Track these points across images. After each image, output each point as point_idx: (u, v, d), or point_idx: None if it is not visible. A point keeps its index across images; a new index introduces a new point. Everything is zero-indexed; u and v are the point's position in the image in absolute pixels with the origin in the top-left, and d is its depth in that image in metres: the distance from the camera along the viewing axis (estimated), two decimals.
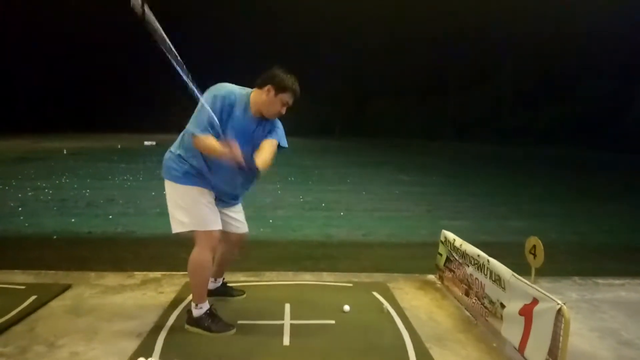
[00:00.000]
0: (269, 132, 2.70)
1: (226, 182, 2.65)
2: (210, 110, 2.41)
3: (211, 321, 2.59)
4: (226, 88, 2.58)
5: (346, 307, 2.90)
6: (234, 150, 2.33)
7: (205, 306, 2.62)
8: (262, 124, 2.67)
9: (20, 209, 6.87)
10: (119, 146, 21.08)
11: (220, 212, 2.71)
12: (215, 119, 2.42)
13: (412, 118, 44.95)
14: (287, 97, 2.60)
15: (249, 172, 2.56)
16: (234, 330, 2.60)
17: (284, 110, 2.66)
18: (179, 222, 2.60)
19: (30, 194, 8.24)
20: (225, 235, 2.79)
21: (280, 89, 2.56)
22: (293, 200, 8.27)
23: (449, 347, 2.49)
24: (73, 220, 6.20)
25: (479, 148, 28.29)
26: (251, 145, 2.60)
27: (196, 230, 2.58)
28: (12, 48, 43.52)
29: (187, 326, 2.62)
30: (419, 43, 43.04)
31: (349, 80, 48.81)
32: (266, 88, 2.57)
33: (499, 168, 16.99)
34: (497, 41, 38.63)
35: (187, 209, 2.58)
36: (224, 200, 2.75)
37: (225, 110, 2.50)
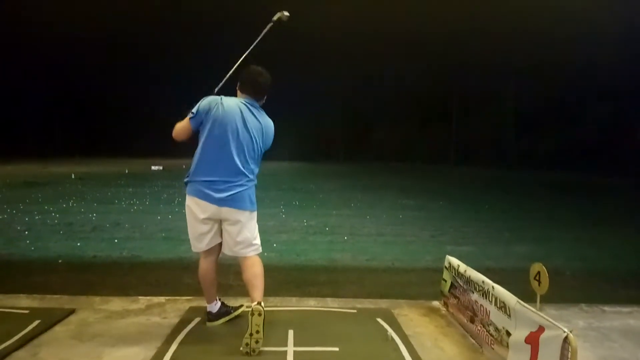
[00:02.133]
0: None
1: None
2: None
3: (226, 309, 3.10)
4: None
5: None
6: None
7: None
8: None
9: (26, 232, 6.92)
10: (127, 171, 21.29)
11: None
12: None
13: (415, 142, 45.19)
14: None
15: None
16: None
17: None
18: (259, 244, 2.98)
19: (37, 217, 8.31)
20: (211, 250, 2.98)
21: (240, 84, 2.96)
22: (297, 224, 8.28)
23: None
24: (79, 244, 6.23)
25: (483, 173, 28.29)
26: None
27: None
28: (20, 72, 44.51)
29: (208, 324, 3.01)
30: (422, 67, 43.63)
31: (353, 105, 49.36)
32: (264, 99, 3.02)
33: (502, 193, 16.93)
34: (499, 66, 39.06)
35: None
36: None
37: None
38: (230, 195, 2.77)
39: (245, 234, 2.86)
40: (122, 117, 49.60)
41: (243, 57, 3.02)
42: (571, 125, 34.01)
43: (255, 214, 2.94)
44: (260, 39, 3.06)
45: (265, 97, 3.02)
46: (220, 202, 2.77)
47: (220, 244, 2.95)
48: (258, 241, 2.94)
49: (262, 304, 2.64)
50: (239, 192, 2.79)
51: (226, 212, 2.79)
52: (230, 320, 3.06)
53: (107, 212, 9.21)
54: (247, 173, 2.82)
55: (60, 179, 17.01)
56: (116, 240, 6.48)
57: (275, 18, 3.15)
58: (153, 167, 25.10)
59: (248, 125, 2.82)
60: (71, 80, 47.70)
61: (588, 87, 32.78)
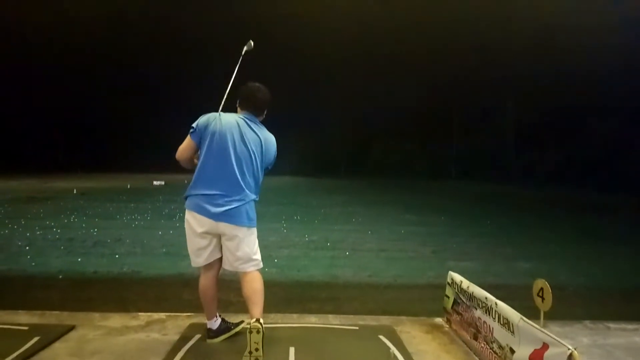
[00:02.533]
0: None
1: None
2: None
3: (227, 325, 3.04)
4: None
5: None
6: None
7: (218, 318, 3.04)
8: None
9: (27, 248, 6.91)
10: (129, 186, 21.34)
11: None
12: None
13: (417, 158, 45.31)
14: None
15: None
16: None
17: None
18: (259, 260, 2.94)
19: (38, 233, 8.31)
20: (210, 265, 2.97)
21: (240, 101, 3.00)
22: (298, 239, 8.25)
23: None
24: (79, 259, 6.21)
25: (484, 188, 28.25)
26: None
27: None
28: (23, 88, 45.01)
29: (209, 341, 2.94)
30: (422, 83, 44.01)
31: (354, 120, 49.68)
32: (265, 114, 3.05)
33: (504, 208, 16.89)
34: (499, 81, 39.38)
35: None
36: None
37: None
38: (227, 210, 2.75)
39: (244, 250, 2.83)
40: (124, 132, 49.96)
41: (226, 92, 3.07)
42: (572, 141, 34.08)
43: (254, 229, 2.90)
44: (237, 72, 3.14)
45: (265, 113, 3.03)
46: (217, 217, 2.76)
47: (221, 259, 2.93)
48: (258, 256, 2.90)
49: (262, 320, 2.61)
50: (237, 207, 2.77)
51: (223, 227, 2.78)
52: (230, 337, 3.03)
53: (108, 227, 9.21)
54: (245, 188, 2.80)
55: (62, 194, 17.05)
56: (117, 256, 6.46)
57: (243, 52, 3.21)
58: (155, 182, 25.15)
59: (246, 139, 2.82)
60: (73, 96, 48.22)
61: (589, 103, 32.93)
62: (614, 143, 30.84)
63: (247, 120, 2.90)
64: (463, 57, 41.08)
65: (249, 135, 2.85)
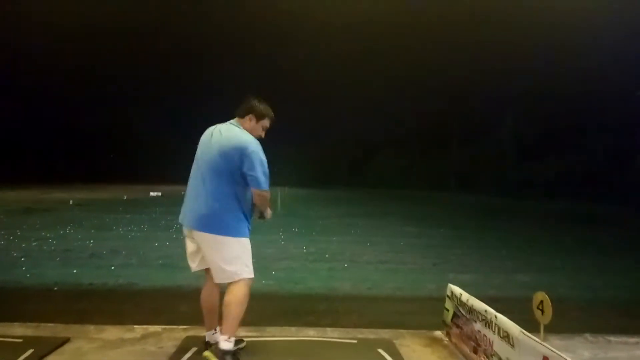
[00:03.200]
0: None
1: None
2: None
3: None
4: (255, 141, 2.83)
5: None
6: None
7: (233, 341, 2.69)
8: None
9: (23, 259, 6.86)
10: (125, 197, 21.30)
11: None
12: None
13: (415, 170, 45.44)
14: (266, 123, 2.96)
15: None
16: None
17: (264, 134, 2.97)
18: (234, 272, 2.75)
19: (34, 244, 8.25)
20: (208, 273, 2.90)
21: (260, 116, 2.91)
22: (296, 251, 8.21)
23: None
24: (75, 271, 6.16)
25: (483, 200, 28.28)
26: None
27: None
28: (21, 100, 45.19)
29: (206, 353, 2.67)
30: (422, 95, 44.37)
31: (353, 133, 49.94)
32: (248, 117, 2.90)
33: (504, 221, 16.88)
34: (499, 93, 39.72)
35: (246, 257, 2.80)
36: None
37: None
38: (198, 217, 2.74)
39: (214, 259, 2.74)
40: (121, 144, 50.05)
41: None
42: (571, 154, 34.25)
43: (229, 239, 2.71)
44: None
45: (250, 113, 2.90)
46: (191, 224, 2.77)
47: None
48: (233, 268, 2.71)
49: (223, 342, 2.60)
50: (206, 214, 2.72)
51: (196, 235, 2.77)
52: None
53: (104, 238, 9.16)
54: (217, 195, 2.71)
55: (59, 206, 17.00)
56: (113, 268, 6.41)
57: (259, 217, 3.09)
58: (152, 193, 25.13)
59: (212, 144, 2.79)
60: (71, 108, 48.46)
61: (588, 116, 33.19)
62: (612, 155, 31.01)
63: (223, 125, 2.90)
64: (463, 69, 41.49)
65: (215, 139, 2.80)
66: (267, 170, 2.77)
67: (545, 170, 35.42)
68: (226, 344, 2.61)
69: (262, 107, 2.92)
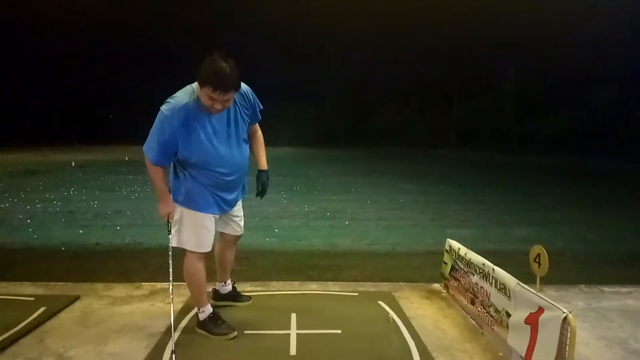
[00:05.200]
0: (252, 117, 2.70)
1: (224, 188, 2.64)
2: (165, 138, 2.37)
3: (213, 325, 2.69)
4: (170, 106, 2.36)
5: None
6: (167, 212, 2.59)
7: (208, 310, 2.74)
8: (235, 111, 2.54)
9: (28, 221, 6.96)
10: (127, 158, 21.26)
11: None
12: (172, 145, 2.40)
13: (416, 126, 45.02)
14: (209, 91, 2.27)
15: (240, 171, 2.67)
16: (234, 334, 2.67)
17: (217, 106, 2.33)
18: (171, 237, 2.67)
19: (38, 206, 8.34)
20: (221, 235, 2.93)
21: (200, 81, 2.30)
22: (298, 209, 8.30)
23: (455, 357, 2.49)
24: (81, 231, 6.26)
25: (484, 156, 28.23)
26: (236, 139, 2.59)
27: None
28: (19, 62, 44.21)
29: (197, 329, 2.73)
30: (422, 52, 43.25)
31: (353, 90, 49.06)
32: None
33: (503, 176, 16.93)
34: (500, 49, 38.70)
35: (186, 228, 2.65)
36: (229, 205, 2.75)
37: (179, 133, 2.37)
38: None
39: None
40: (120, 104, 49.40)
41: None
42: (572, 108, 33.81)
43: (179, 208, 2.60)
44: None
45: None
46: None
47: (231, 231, 2.92)
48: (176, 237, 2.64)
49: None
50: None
51: None
52: (235, 307, 3.10)
53: (108, 199, 9.24)
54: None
55: (60, 167, 17.02)
56: (118, 228, 6.51)
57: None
58: None
59: None
60: (70, 68, 47.43)
61: (590, 70, 32.47)
62: (614, 110, 30.61)
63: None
64: (463, 24, 40.18)
65: None
66: (152, 137, 2.40)
67: (545, 125, 35.10)
68: (200, 314, 2.74)
69: (203, 66, 2.26)
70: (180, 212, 2.61)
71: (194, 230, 2.61)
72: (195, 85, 2.40)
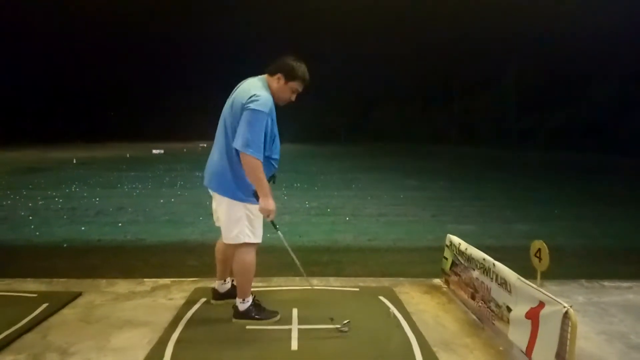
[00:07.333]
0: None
1: None
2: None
3: (257, 311, 2.82)
4: (264, 101, 2.50)
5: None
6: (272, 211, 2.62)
7: (249, 299, 2.82)
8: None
9: (31, 218, 6.97)
10: (128, 155, 21.30)
11: None
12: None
13: (417, 123, 44.97)
14: (296, 85, 2.68)
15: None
16: (279, 316, 2.82)
17: (293, 98, 2.72)
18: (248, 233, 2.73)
19: (40, 203, 8.36)
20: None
21: (289, 76, 2.64)
22: (299, 205, 8.31)
23: (456, 351, 2.50)
24: (83, 228, 6.28)
25: (485, 152, 28.18)
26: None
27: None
28: (21, 60, 44.19)
29: (234, 320, 2.80)
30: (423, 49, 43.09)
31: (355, 87, 48.98)
32: (276, 76, 2.64)
33: (504, 172, 16.92)
34: (501, 45, 38.55)
35: (250, 222, 2.72)
36: None
37: (270, 126, 2.57)
38: (210, 174, 2.73)
39: (222, 218, 2.75)
40: (122, 102, 49.37)
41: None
42: (573, 104, 33.71)
43: (233, 202, 2.64)
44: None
45: (276, 68, 2.69)
46: (205, 181, 2.79)
47: None
48: (235, 231, 2.69)
49: (239, 304, 2.77)
50: (215, 172, 2.68)
51: (211, 192, 2.79)
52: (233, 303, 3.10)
53: (110, 196, 9.25)
54: (225, 153, 2.62)
55: (62, 164, 17.04)
56: (120, 224, 6.52)
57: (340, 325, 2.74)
58: (154, 151, 25.13)
59: (230, 98, 2.69)
60: (71, 65, 47.40)
61: (591, 65, 32.34)
62: (614, 106, 30.52)
63: (251, 78, 2.72)
64: (464, 19, 40.00)
65: (234, 93, 2.69)
66: (259, 137, 2.46)
67: (546, 121, 35.02)
68: (241, 305, 2.80)
69: (294, 66, 2.63)
70: (250, 209, 2.67)
71: (259, 223, 2.74)
72: (263, 80, 2.64)
